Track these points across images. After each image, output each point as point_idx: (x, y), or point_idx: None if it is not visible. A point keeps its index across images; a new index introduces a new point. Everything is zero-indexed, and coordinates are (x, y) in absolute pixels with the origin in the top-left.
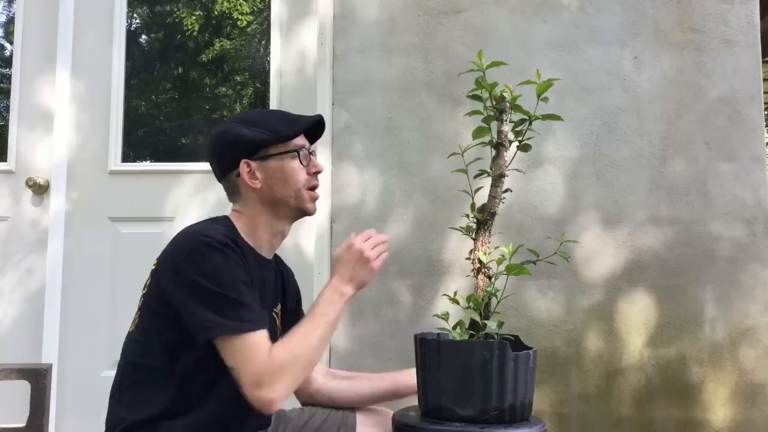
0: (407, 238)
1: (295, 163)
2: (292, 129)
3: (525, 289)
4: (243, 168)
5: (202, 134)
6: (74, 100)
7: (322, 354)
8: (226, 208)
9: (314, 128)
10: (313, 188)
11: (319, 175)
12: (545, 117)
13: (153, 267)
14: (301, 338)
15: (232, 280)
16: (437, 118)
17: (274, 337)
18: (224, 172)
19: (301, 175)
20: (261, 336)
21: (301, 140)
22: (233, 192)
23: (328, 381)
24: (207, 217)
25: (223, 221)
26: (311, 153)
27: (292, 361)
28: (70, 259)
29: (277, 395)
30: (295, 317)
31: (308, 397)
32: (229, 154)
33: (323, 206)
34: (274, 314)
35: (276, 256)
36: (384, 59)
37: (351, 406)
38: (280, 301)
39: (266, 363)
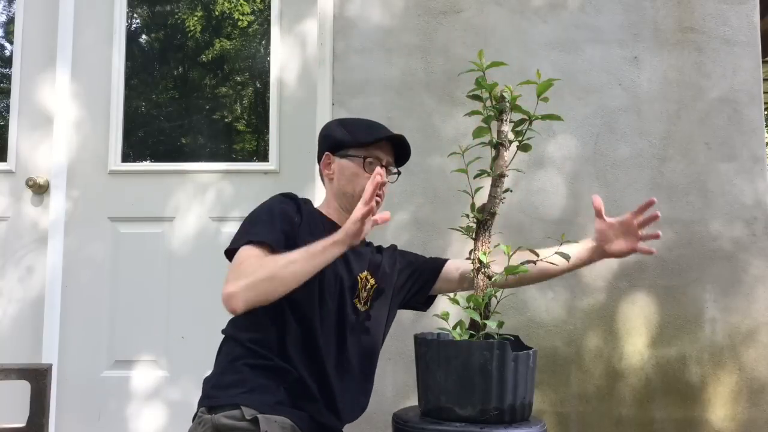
0: (407, 238)
1: (359, 168)
2: (368, 138)
3: (525, 289)
4: (324, 159)
5: (202, 134)
6: (74, 100)
7: (290, 275)
8: (226, 208)
9: (394, 143)
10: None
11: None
12: (545, 117)
13: None
14: (275, 257)
15: (269, 213)
16: (437, 118)
17: (343, 295)
18: (318, 158)
19: (362, 181)
20: (253, 248)
21: (380, 152)
22: (321, 176)
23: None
24: (209, 217)
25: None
26: (385, 167)
27: (256, 269)
28: (70, 258)
29: (234, 291)
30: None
31: None
32: (322, 145)
33: None
34: (358, 278)
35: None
36: (384, 59)
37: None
38: (367, 270)
39: (236, 264)
